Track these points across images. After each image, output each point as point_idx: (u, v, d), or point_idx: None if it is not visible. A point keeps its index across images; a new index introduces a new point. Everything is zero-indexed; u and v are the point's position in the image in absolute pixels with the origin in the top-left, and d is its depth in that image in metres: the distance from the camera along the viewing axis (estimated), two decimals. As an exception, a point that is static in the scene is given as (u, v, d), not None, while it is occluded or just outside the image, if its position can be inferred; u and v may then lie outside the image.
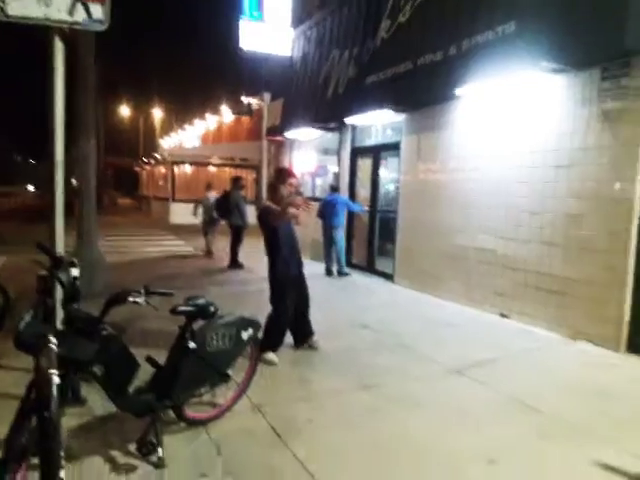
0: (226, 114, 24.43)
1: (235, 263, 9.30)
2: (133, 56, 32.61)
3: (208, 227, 11.14)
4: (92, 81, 6.54)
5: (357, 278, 8.47)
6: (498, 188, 6.10)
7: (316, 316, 4.88)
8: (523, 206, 5.76)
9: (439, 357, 4.45)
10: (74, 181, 8.13)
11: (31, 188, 33.49)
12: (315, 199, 10.39)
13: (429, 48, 6.67)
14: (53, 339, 2.29)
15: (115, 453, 2.82)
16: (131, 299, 2.59)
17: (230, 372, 3.19)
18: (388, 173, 9.08)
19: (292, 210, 3.97)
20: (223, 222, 10.47)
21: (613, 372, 4.12)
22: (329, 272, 8.60)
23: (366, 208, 8.81)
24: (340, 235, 8.59)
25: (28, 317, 2.33)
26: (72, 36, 5.62)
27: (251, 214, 9.63)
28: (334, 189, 8.81)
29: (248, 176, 19.92)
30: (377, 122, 8.78)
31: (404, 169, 7.95)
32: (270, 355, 4.27)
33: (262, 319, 3.92)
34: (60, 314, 2.45)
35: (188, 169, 20.79)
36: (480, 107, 6.38)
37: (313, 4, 11.08)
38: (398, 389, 3.74)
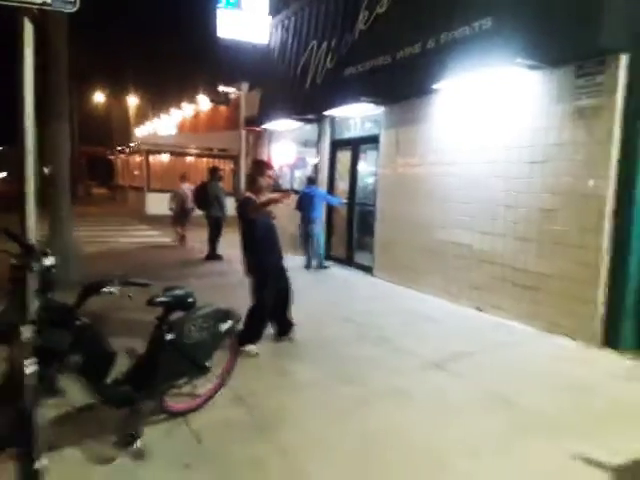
0: (203, 103, 24.15)
1: (214, 254, 9.25)
2: (108, 43, 31.88)
3: (180, 219, 11.07)
4: (65, 65, 6.38)
5: (336, 271, 8.50)
6: (475, 182, 6.17)
7: (297, 309, 4.89)
8: (499, 200, 5.85)
9: (419, 350, 4.51)
10: (46, 169, 7.91)
11: (2, 175, 32.46)
12: (294, 191, 10.37)
13: (407, 41, 6.68)
14: (26, 328, 2.26)
15: (94, 444, 2.78)
16: (106, 289, 2.56)
17: (209, 364, 3.18)
18: (367, 166, 9.11)
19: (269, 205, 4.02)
20: (196, 214, 10.39)
21: (588, 366, 4.18)
22: (308, 265, 8.61)
23: (344, 201, 8.83)
24: (318, 228, 8.59)
25: (0, 307, 2.29)
26: (43, 18, 5.47)
27: (229, 206, 9.59)
28: (312, 181, 8.80)
29: (226, 166, 19.77)
30: (356, 115, 8.77)
31: (383, 162, 7.97)
32: (251, 347, 4.27)
33: (242, 310, 3.91)
34: (34, 304, 2.41)
35: (164, 158, 20.47)
36: (458, 101, 6.44)
37: (291, -7, 11.01)
38: (380, 382, 3.77)
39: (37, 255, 2.60)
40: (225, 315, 3.32)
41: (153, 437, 2.89)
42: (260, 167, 4.40)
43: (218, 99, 21.60)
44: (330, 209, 9.30)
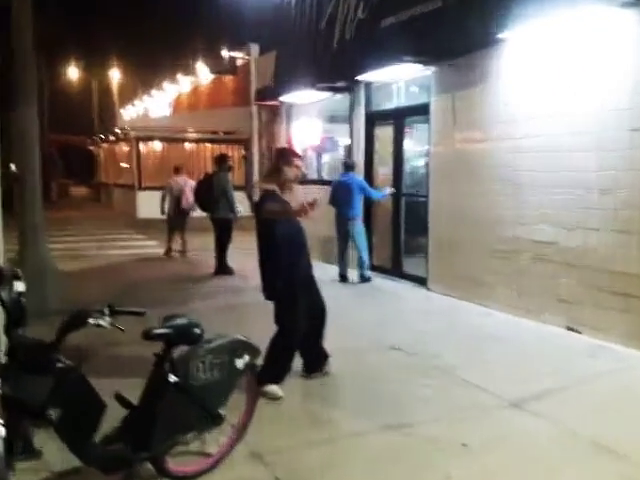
0: (203, 74, 24.45)
1: (223, 268, 9.35)
2: (83, 6, 32.52)
3: (176, 221, 11.24)
4: (30, 42, 6.55)
5: (381, 284, 8.51)
6: (558, 160, 6.04)
7: (332, 334, 4.87)
8: (590, 182, 5.69)
9: (490, 385, 4.44)
10: (13, 166, 8.12)
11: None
12: (322, 182, 10.43)
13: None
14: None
15: (79, 519, 2.84)
16: (92, 321, 2.58)
17: (223, 412, 3.19)
18: (415, 145, 9.06)
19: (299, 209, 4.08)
20: (196, 214, 10.55)
21: None
22: (344, 277, 8.65)
23: (389, 190, 8.81)
24: (359, 227, 8.63)
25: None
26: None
27: (241, 203, 9.68)
28: (348, 167, 8.80)
29: (234, 153, 20.00)
30: (398, 79, 8.74)
31: (435, 139, 7.93)
32: (273, 388, 4.27)
33: (262, 341, 3.93)
34: (2, 342, 2.45)
35: (158, 147, 20.87)
36: (532, 54, 6.31)
37: None
38: (437, 428, 3.73)
39: (7, 279, 2.64)
40: (241, 348, 3.31)
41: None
42: (286, 155, 4.51)
43: (221, 68, 21.86)
44: (369, 203, 9.30)
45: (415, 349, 5.38)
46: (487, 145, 7.01)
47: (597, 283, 5.67)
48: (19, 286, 2.67)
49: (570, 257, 5.95)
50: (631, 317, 5.35)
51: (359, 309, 6.96)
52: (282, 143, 12.31)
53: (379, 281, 8.65)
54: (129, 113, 35.33)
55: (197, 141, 20.68)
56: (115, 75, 36.91)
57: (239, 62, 19.42)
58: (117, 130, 24.65)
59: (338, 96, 10.25)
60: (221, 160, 9.67)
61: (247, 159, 19.61)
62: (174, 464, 3.13)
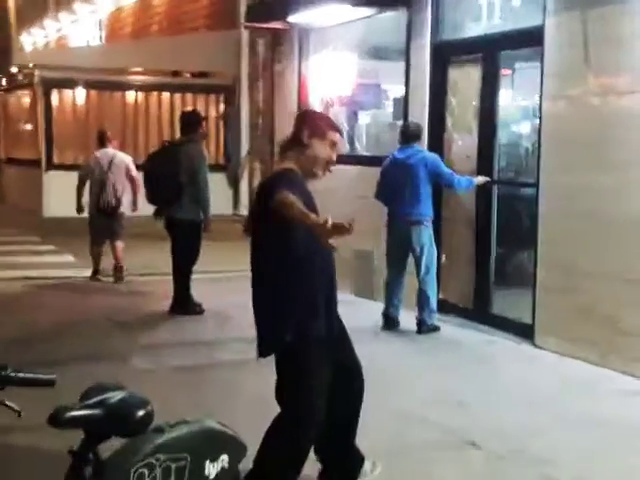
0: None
1: (186, 303, 9.39)
2: None
3: (103, 225, 11.40)
4: None
5: (455, 335, 8.53)
6: None
7: (373, 422, 4.90)
8: None
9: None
10: None
11: None
12: (358, 160, 10.45)
13: None
14: None
15: None
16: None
17: None
18: (517, 98, 9.08)
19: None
20: (141, 212, 10.67)
21: None
22: (392, 322, 8.66)
23: (482, 179, 8.73)
24: (427, 238, 8.60)
25: None
26: None
27: (219, 194, 9.69)
28: (410, 136, 8.77)
29: (209, 109, 20.10)
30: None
31: (552, 89, 7.92)
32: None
33: (253, 430, 3.90)
34: None
35: (81, 97, 21.06)
36: None
37: None
38: None
39: None
40: (215, 444, 3.31)
41: None
42: (317, 123, 4.58)
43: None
44: (436, 197, 9.24)
45: (509, 447, 5.42)
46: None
47: None
48: None
49: None
50: None
51: (418, 380, 6.90)
52: (290, 94, 12.34)
53: (452, 331, 8.63)
54: (33, 41, 35.66)
55: (147, 89, 20.92)
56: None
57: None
58: (13, 70, 24.83)
59: (387, 14, 10.28)
60: (188, 122, 9.71)
61: (229, 120, 19.75)
62: None
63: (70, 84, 20.61)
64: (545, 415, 6.07)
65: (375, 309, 8.83)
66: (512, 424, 5.87)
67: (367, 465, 4.74)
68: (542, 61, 7.97)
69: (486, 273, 8.99)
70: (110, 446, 3.03)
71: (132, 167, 11.45)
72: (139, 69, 20.82)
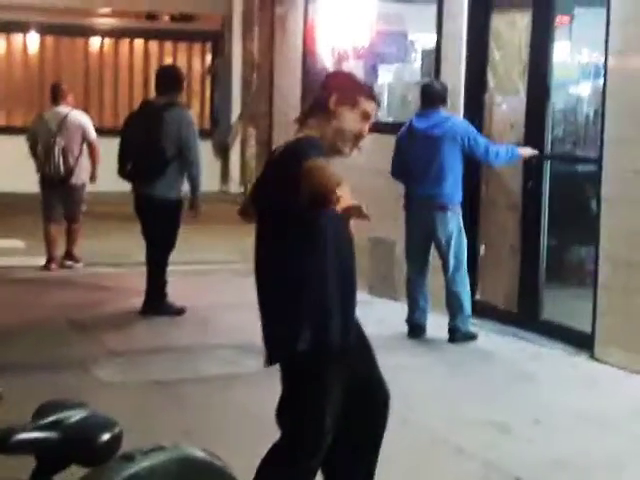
0: None
1: (161, 301, 9.46)
2: None
3: (56, 199, 11.54)
4: None
5: (494, 345, 8.54)
6: None
7: (393, 449, 4.84)
8: None
9: None
10: None
11: None
12: (375, 127, 10.34)
13: None
14: None
15: None
16: None
17: None
18: (574, 52, 9.04)
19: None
20: (106, 185, 10.75)
21: None
22: (418, 329, 8.68)
23: (529, 151, 8.69)
24: (456, 226, 8.59)
25: None
26: None
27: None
28: (435, 99, 8.76)
29: (193, 61, 20.07)
30: None
31: (620, 40, 7.88)
32: None
33: (246, 459, 3.88)
34: None
35: (32, 43, 21.08)
36: None
37: None
38: None
39: None
40: (198, 475, 3.29)
41: None
42: (348, 87, 4.57)
43: None
44: (470, 173, 9.30)
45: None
46: None
47: None
48: None
49: None
50: None
51: (450, 400, 6.90)
52: (294, 43, 12.32)
53: (491, 339, 8.65)
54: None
55: (116, 34, 20.92)
56: None
57: None
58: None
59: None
60: (167, 80, 9.73)
61: (217, 75, 19.72)
62: None
63: (20, 27, 20.60)
64: (609, 445, 6.04)
65: (397, 311, 8.81)
66: (566, 456, 5.82)
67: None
68: (608, 6, 7.92)
69: (534, 269, 8.97)
70: (68, 477, 3.03)
71: (89, 130, 11.53)
72: (106, 10, 20.80)
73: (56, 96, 11.72)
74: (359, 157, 4.79)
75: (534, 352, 8.29)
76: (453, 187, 8.50)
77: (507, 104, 9.46)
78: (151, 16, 20.56)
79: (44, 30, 20.59)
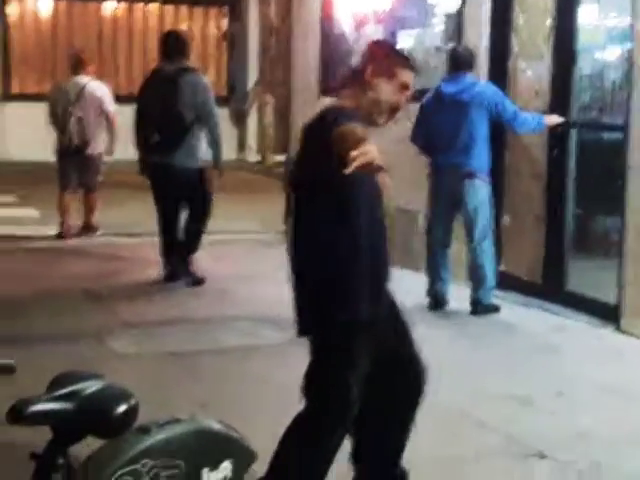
0: None
1: (185, 267, 9.51)
2: None
3: (73, 168, 11.64)
4: None
5: (518, 317, 8.54)
6: None
7: (415, 423, 4.84)
8: None
9: None
10: None
11: None
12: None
13: None
14: None
15: None
16: None
17: None
18: (601, 15, 8.99)
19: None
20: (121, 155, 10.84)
21: None
22: (440, 301, 8.71)
23: (555, 119, 8.66)
24: (483, 195, 8.57)
25: None
26: None
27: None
28: (462, 63, 8.72)
29: (209, 26, 20.02)
30: None
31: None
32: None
33: (263, 435, 3.88)
34: None
35: (46, 9, 21.06)
36: None
37: None
38: None
39: None
40: (216, 448, 3.34)
41: None
42: (385, 57, 4.57)
43: None
44: (494, 141, 9.23)
45: (588, 459, 5.42)
46: None
47: None
48: None
49: None
50: None
51: (472, 373, 6.91)
52: (312, 7, 12.29)
53: (514, 311, 8.64)
54: None
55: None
56: None
57: None
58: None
59: None
60: (176, 45, 9.73)
61: (233, 40, 19.67)
62: None
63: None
64: (634, 419, 6.06)
65: (418, 283, 8.76)
66: (590, 429, 5.83)
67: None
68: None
69: (559, 239, 8.98)
70: (84, 449, 3.06)
71: (106, 100, 11.59)
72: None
73: (76, 66, 11.78)
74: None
75: (558, 324, 8.30)
76: (482, 154, 8.50)
77: (531, 70, 9.43)
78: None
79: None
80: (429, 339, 7.51)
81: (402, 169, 8.74)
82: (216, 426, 3.39)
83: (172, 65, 9.52)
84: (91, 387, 3.06)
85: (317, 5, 12.14)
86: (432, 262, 8.75)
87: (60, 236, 11.52)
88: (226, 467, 3.34)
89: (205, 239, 9.67)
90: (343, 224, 4.32)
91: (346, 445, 4.50)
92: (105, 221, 11.71)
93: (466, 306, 8.54)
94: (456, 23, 9.97)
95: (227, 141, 10.26)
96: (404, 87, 4.47)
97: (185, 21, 19.67)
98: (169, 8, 20.01)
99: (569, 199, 8.91)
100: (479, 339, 7.90)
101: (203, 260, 9.60)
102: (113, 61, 19.68)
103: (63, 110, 11.41)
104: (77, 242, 11.43)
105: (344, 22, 11.65)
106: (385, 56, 4.58)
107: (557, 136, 8.85)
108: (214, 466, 3.30)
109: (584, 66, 8.93)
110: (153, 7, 20.37)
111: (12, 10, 20.39)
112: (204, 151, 9.49)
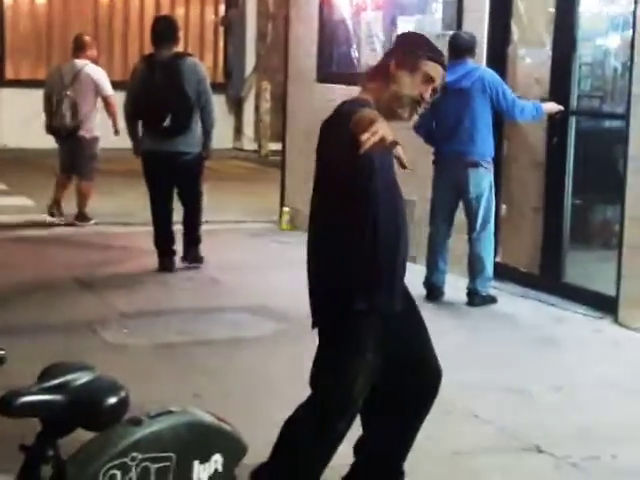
0: None
1: (193, 251, 9.61)
2: None
3: (62, 151, 11.76)
4: None
5: (515, 308, 8.54)
6: None
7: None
8: None
9: None
10: None
11: None
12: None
13: None
14: None
15: None
16: None
17: None
18: (601, 2, 9.02)
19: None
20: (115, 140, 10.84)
21: None
22: (436, 291, 8.71)
23: (552, 107, 8.65)
24: (486, 185, 8.57)
25: None
26: None
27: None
28: (463, 50, 8.67)
29: (206, 11, 19.99)
30: None
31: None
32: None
33: (254, 428, 3.89)
34: None
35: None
36: None
37: None
38: None
39: None
40: (207, 441, 3.34)
41: None
42: (409, 49, 4.55)
43: None
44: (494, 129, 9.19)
45: (585, 454, 5.40)
46: None
47: None
48: None
49: None
50: None
51: (468, 365, 6.87)
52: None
53: (511, 303, 8.64)
54: None
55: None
56: None
57: None
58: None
59: None
60: (167, 30, 9.75)
61: (230, 26, 19.66)
62: None
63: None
64: (635, 413, 6.05)
65: (415, 274, 8.76)
66: (588, 423, 5.84)
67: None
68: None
69: (557, 230, 8.96)
70: (73, 441, 3.07)
71: (102, 84, 11.61)
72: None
73: (76, 48, 11.84)
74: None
75: (556, 316, 8.30)
76: (485, 141, 8.50)
77: (532, 57, 9.43)
78: (163, -36, 20.45)
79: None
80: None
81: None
82: (207, 418, 3.38)
83: (167, 51, 9.53)
84: (81, 379, 3.05)
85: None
86: (432, 252, 8.74)
87: (51, 211, 11.63)
88: (217, 460, 3.33)
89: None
90: (362, 216, 4.33)
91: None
92: (99, 210, 11.69)
93: (462, 297, 8.55)
94: (456, 9, 9.94)
95: (223, 129, 10.30)
96: (428, 80, 4.44)
97: (181, 6, 19.62)
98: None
99: (568, 189, 8.88)
100: (476, 331, 7.91)
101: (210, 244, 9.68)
102: (108, 47, 19.61)
103: (58, 93, 11.43)
104: (70, 231, 11.41)
105: (343, 8, 11.62)
106: (411, 49, 4.55)
107: (556, 124, 8.83)
108: (205, 458, 3.30)
109: (585, 54, 8.95)
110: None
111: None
112: (200, 137, 9.55)
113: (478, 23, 9.51)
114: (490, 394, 6.35)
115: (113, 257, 10.20)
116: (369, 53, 11.37)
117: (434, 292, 8.65)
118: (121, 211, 11.93)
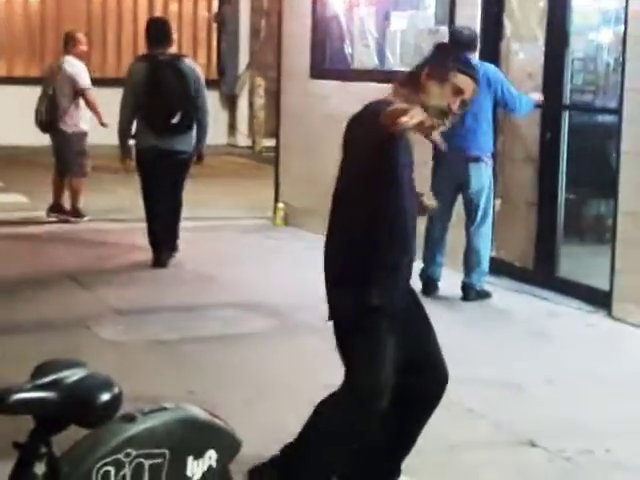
0: None
1: (171, 244, 9.60)
2: None
3: (62, 150, 11.70)
4: None
5: (509, 303, 8.56)
6: None
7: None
8: None
9: None
10: None
11: None
12: (389, 77, 10.33)
13: None
14: None
15: None
16: None
17: None
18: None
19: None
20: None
21: None
22: (431, 285, 8.72)
23: (538, 97, 8.67)
24: (486, 180, 8.60)
25: None
26: None
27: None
28: (465, 46, 8.56)
29: (199, 7, 19.98)
30: None
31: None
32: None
33: (248, 423, 3.89)
34: None
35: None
36: None
37: None
38: None
39: None
40: (201, 437, 3.35)
41: None
42: (440, 59, 4.57)
43: None
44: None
45: (578, 448, 5.42)
46: None
47: None
48: None
49: None
50: None
51: (463, 360, 6.75)
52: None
53: (506, 297, 8.66)
54: None
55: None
56: None
57: None
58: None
59: None
60: (161, 32, 9.80)
61: (224, 22, 19.64)
62: None
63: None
64: (628, 408, 6.05)
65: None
66: (581, 418, 5.85)
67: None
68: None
69: (551, 225, 8.99)
70: (67, 438, 3.07)
71: (79, 78, 11.61)
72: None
73: (66, 45, 11.96)
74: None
75: (550, 310, 8.32)
76: (486, 136, 8.53)
77: (524, 52, 9.42)
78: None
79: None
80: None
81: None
82: (201, 414, 3.38)
83: (161, 51, 9.61)
84: (74, 375, 3.04)
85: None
86: (429, 246, 8.73)
87: (52, 211, 11.71)
88: (211, 456, 3.33)
89: (192, 225, 9.72)
90: (381, 212, 4.37)
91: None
92: (91, 207, 11.69)
93: (457, 292, 8.56)
94: (448, 5, 9.92)
95: (217, 125, 10.28)
96: (458, 92, 4.44)
97: (175, 3, 19.59)
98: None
99: (561, 183, 8.90)
100: (470, 325, 7.93)
101: (188, 246, 9.66)
102: (101, 46, 19.60)
103: (43, 89, 11.67)
104: (63, 228, 11.41)
105: (336, 4, 11.62)
106: (443, 60, 4.57)
107: (549, 119, 8.86)
108: (199, 454, 3.30)
109: (577, 48, 8.95)
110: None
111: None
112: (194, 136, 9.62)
113: (471, 18, 9.50)
114: (484, 388, 6.36)
115: (107, 253, 10.20)
116: (362, 49, 11.38)
117: (430, 285, 8.65)
118: (114, 207, 11.94)
